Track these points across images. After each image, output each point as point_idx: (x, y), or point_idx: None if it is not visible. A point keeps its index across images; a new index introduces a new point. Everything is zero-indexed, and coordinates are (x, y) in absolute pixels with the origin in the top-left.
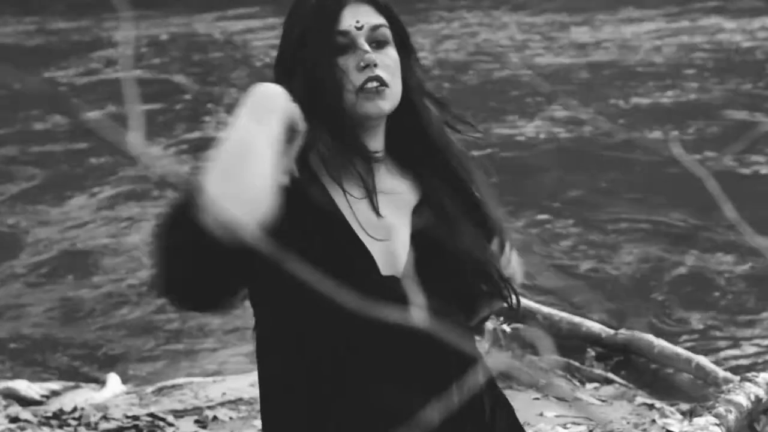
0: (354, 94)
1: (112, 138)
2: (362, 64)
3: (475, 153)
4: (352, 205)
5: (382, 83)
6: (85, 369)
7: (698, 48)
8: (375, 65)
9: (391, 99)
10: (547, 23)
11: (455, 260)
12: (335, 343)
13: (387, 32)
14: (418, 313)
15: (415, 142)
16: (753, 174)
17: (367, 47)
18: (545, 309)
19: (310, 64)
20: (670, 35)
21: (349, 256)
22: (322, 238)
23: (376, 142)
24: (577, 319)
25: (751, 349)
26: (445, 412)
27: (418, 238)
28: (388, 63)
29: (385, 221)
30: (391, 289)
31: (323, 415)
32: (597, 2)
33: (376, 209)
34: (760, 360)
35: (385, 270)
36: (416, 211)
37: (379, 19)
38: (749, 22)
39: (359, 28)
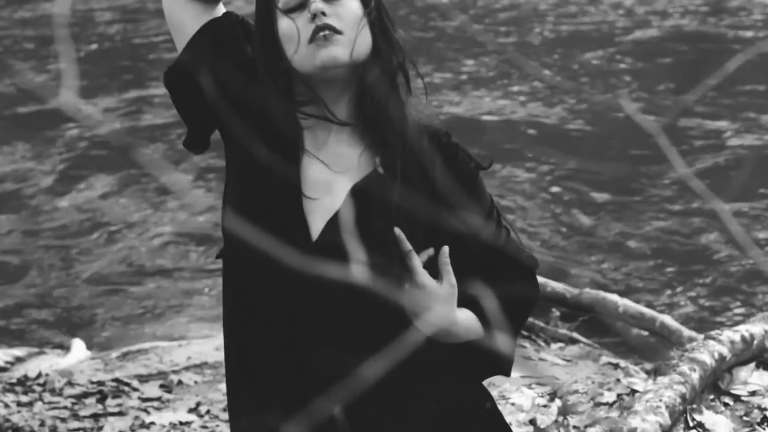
0: (306, 47)
1: (47, 96)
2: (309, 14)
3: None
4: (301, 162)
5: (333, 30)
6: (50, 335)
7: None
8: (323, 14)
9: (346, 47)
10: None
11: (392, 228)
12: (276, 301)
13: None
14: (358, 270)
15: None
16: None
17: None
18: None
19: (258, 23)
20: None
21: (285, 215)
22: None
23: (339, 105)
24: (541, 279)
25: (715, 308)
26: (381, 370)
27: (359, 205)
28: (341, 13)
29: (327, 184)
30: (325, 253)
31: (268, 376)
32: None
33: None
34: (723, 318)
35: (323, 233)
36: (353, 192)
37: None
38: None
39: None
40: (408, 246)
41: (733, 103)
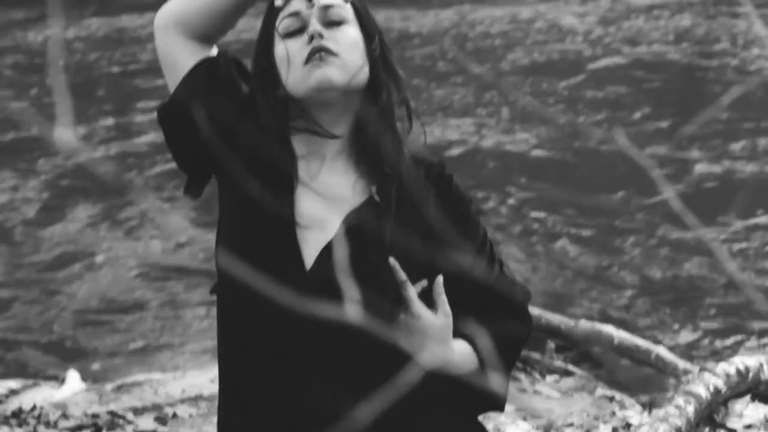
0: (301, 69)
1: (39, 130)
2: (307, 36)
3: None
4: (295, 192)
5: (329, 52)
6: (45, 367)
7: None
8: (320, 36)
9: (341, 69)
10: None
11: (378, 273)
12: (269, 338)
13: (342, 12)
14: (352, 309)
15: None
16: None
17: (315, 22)
18: None
19: (257, 50)
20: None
21: (279, 246)
22: (264, 220)
23: (337, 128)
24: (537, 311)
25: (710, 340)
26: (377, 410)
27: (352, 234)
28: (338, 37)
29: (321, 214)
30: (319, 283)
31: (260, 412)
32: None
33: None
34: (719, 350)
35: (316, 263)
36: (347, 220)
37: (336, 0)
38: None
39: (310, 7)
40: (403, 276)
41: (697, 131)
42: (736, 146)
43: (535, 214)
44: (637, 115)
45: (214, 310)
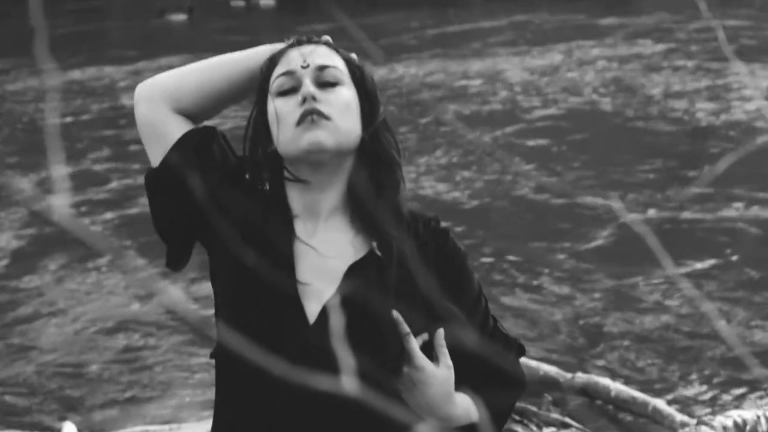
0: (293, 129)
1: (35, 204)
2: (300, 98)
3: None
4: (295, 249)
5: (321, 115)
6: (40, 418)
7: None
8: (314, 98)
9: (332, 133)
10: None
11: (382, 326)
12: (267, 405)
13: (338, 74)
14: (348, 381)
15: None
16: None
17: (309, 84)
18: None
19: (252, 110)
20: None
21: (281, 305)
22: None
23: (328, 193)
24: (533, 363)
25: (708, 392)
26: None
27: (348, 302)
28: (332, 100)
29: (321, 270)
30: (319, 348)
31: None
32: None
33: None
34: (716, 403)
35: (318, 319)
36: (349, 273)
37: (331, 61)
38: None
39: (305, 67)
40: (406, 329)
41: (625, 179)
42: (666, 194)
43: (486, 259)
44: (566, 163)
45: (196, 361)
